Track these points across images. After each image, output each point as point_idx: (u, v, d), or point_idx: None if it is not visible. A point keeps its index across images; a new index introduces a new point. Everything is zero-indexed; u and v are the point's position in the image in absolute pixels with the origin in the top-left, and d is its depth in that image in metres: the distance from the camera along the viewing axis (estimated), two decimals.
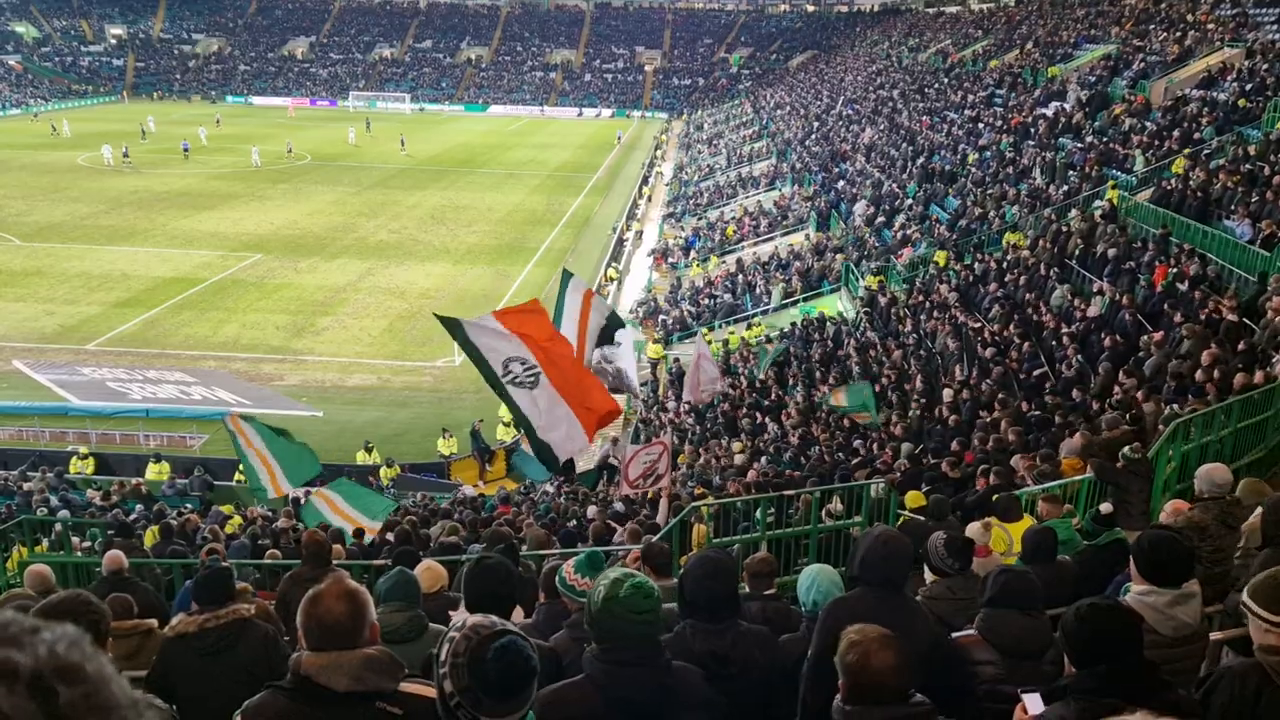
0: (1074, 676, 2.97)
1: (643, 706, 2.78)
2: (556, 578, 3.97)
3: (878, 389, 17.77)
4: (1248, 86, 23.05)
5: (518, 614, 4.79)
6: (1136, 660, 2.92)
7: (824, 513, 9.34)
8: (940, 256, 24.12)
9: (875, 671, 2.67)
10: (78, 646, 0.72)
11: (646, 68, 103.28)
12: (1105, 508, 6.46)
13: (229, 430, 12.18)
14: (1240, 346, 11.27)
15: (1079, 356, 14.54)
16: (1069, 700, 2.90)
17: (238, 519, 14.85)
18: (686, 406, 19.97)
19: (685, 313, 30.40)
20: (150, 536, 12.22)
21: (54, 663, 0.69)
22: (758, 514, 9.03)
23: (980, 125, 34.95)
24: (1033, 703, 3.07)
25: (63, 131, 64.37)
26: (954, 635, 3.89)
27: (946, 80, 47.26)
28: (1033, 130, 30.14)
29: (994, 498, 7.86)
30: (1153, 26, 35.05)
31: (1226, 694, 2.87)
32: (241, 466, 13.07)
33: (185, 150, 57.19)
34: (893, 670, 2.69)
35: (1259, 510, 4.61)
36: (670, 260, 38.32)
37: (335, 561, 8.90)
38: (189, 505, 17.27)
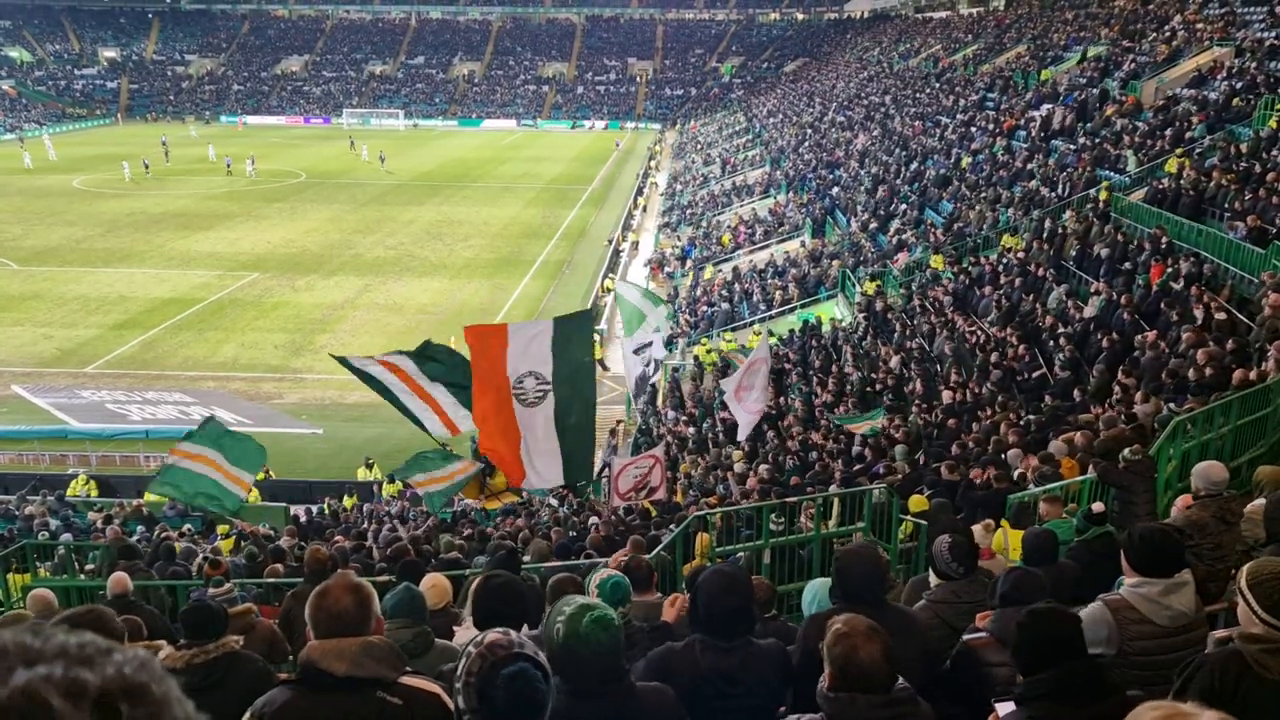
0: (1024, 684, 2.98)
1: None
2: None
3: (875, 389, 17.81)
4: (1238, 85, 23.15)
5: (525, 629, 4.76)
6: (1083, 664, 2.92)
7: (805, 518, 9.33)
8: (936, 260, 24.17)
9: (860, 663, 2.68)
10: (146, 668, 0.76)
11: (638, 79, 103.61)
12: (1097, 507, 6.54)
13: (174, 468, 11.28)
14: (1229, 345, 11.26)
15: (1074, 354, 14.56)
16: (1020, 708, 2.91)
17: (230, 540, 14.78)
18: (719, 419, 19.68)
19: (684, 321, 30.42)
20: None
21: (121, 683, 0.73)
22: (771, 520, 9.01)
23: (973, 129, 35.07)
24: (1004, 709, 3.09)
25: (47, 155, 63.76)
26: (966, 638, 3.89)
27: (938, 85, 47.43)
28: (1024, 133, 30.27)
29: (1012, 505, 7.86)
30: (1141, 26, 35.21)
31: (1205, 681, 2.87)
32: (202, 497, 11.56)
33: (228, 165, 59.24)
34: (879, 663, 2.69)
35: (1257, 502, 4.60)
36: (667, 270, 38.37)
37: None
38: (190, 526, 17.23)
